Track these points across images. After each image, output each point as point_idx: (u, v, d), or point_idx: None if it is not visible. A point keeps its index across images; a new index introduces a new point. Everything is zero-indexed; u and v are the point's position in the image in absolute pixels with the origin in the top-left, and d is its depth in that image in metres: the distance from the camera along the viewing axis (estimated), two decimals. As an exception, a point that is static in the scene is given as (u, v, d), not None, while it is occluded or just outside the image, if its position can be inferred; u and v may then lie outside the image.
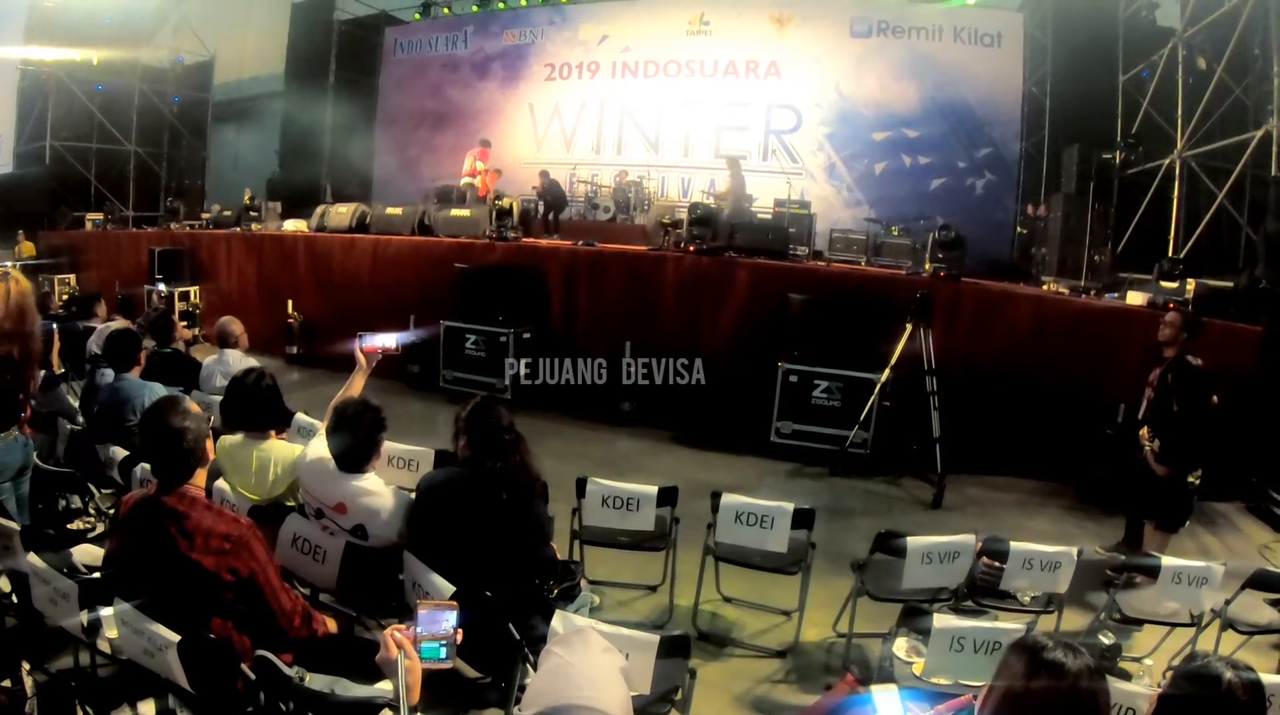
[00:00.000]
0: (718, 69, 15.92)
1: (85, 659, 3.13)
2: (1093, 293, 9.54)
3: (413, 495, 3.70)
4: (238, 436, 4.10)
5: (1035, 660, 1.99)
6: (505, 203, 12.50)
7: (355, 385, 4.28)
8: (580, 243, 11.36)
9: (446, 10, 19.11)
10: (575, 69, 17.36)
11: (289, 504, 3.96)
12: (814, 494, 7.17)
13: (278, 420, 4.25)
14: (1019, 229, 12.79)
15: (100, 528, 4.55)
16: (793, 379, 8.49)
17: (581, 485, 4.83)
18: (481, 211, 12.27)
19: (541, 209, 14.49)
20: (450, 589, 3.14)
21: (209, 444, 3.02)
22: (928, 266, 9.79)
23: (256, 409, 4.12)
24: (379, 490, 3.65)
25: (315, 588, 3.67)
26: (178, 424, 2.88)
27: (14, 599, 3.50)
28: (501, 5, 18.28)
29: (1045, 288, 10.03)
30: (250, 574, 2.83)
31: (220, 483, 3.95)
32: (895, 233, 12.23)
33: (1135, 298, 8.65)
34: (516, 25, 18.10)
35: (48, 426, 5.33)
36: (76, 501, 4.86)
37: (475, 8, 18.66)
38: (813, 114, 15.03)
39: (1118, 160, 11.48)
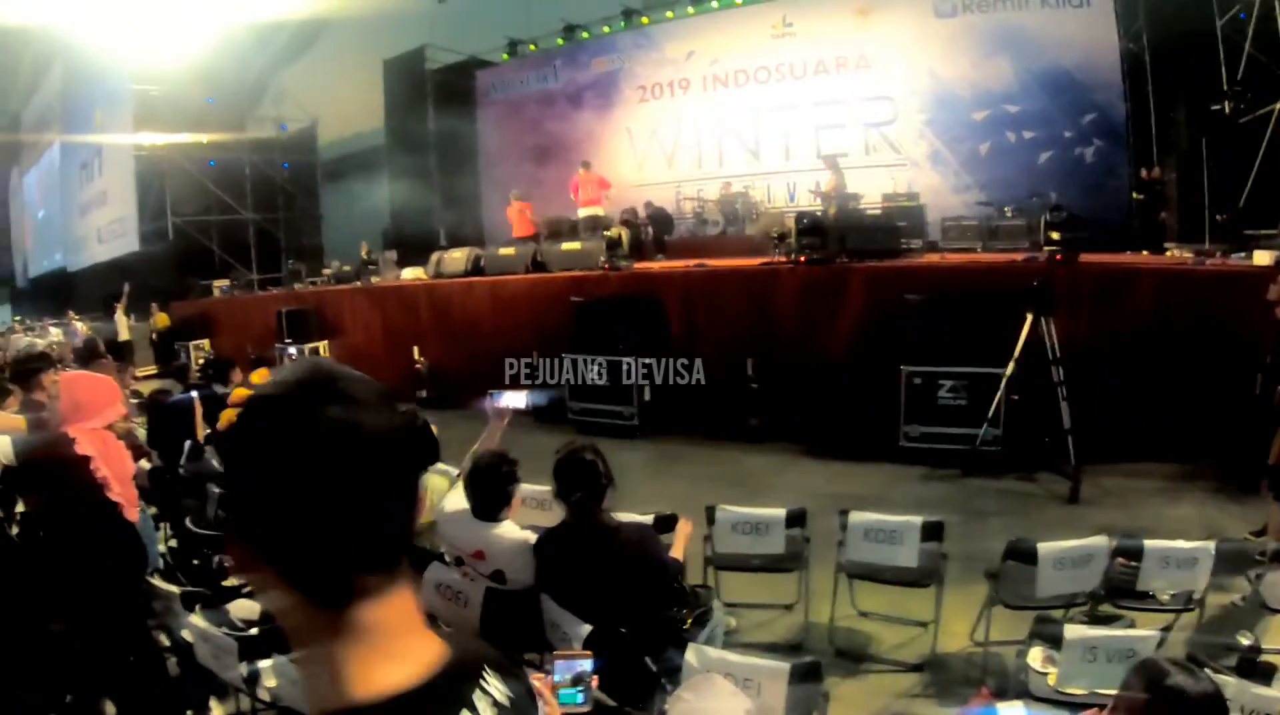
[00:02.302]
0: (807, 69, 15.86)
1: (245, 704, 3.43)
2: (1218, 256, 9.11)
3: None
4: None
5: (1156, 686, 2.03)
6: (614, 233, 12.74)
7: (491, 439, 4.46)
8: (693, 264, 11.51)
9: (533, 47, 19.56)
10: (667, 88, 17.57)
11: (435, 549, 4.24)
12: (946, 498, 7.11)
13: (432, 455, 4.52)
14: (1135, 195, 12.30)
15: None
16: (917, 381, 8.39)
17: (711, 512, 4.90)
18: (593, 243, 12.52)
19: (651, 233, 14.66)
20: (586, 628, 3.32)
21: None
22: (1044, 250, 9.55)
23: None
24: (515, 536, 3.85)
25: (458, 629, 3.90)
26: None
27: (174, 654, 3.87)
28: (585, 35, 18.64)
29: (1168, 254, 9.67)
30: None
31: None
32: (1009, 214, 11.97)
33: (1262, 257, 8.16)
34: (604, 53, 18.43)
35: (197, 492, 5.76)
36: (229, 560, 5.25)
37: (560, 40, 19.03)
38: (909, 102, 14.80)
39: (1228, 111, 10.94)
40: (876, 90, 15.12)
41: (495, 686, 1.04)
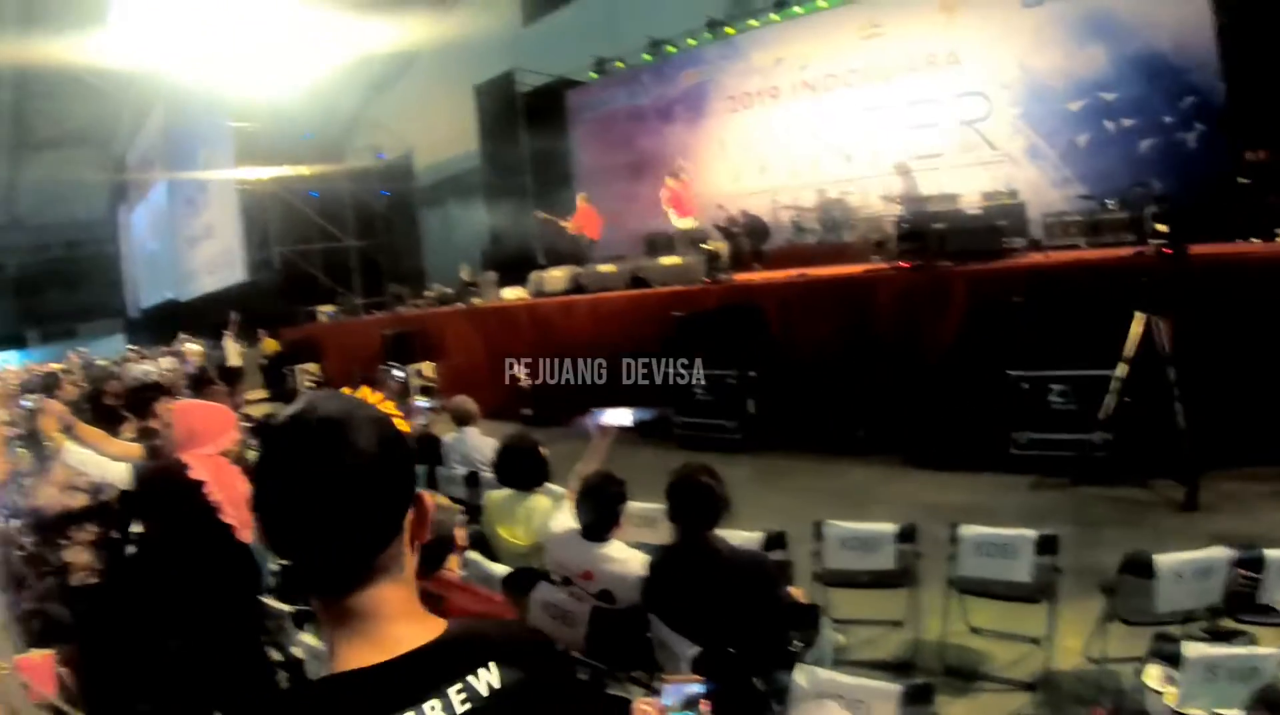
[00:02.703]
0: (897, 70, 15.64)
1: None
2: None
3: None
4: (506, 492, 4.77)
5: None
6: (713, 246, 12.82)
7: (595, 457, 4.59)
8: (794, 274, 11.52)
9: (620, 64, 19.67)
10: (756, 96, 17.54)
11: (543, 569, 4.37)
12: (1057, 507, 6.96)
13: (541, 477, 4.82)
14: (1241, 179, 11.76)
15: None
16: (1024, 386, 8.19)
17: (819, 528, 4.94)
18: (693, 257, 12.62)
19: (748, 243, 14.65)
20: (695, 650, 3.40)
21: (460, 531, 3.46)
22: (1151, 243, 9.26)
23: (523, 468, 4.78)
24: (623, 556, 4.00)
25: (565, 647, 4.01)
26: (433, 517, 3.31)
27: (285, 670, 4.09)
28: (671, 49, 18.68)
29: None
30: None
31: (472, 555, 4.43)
32: (1112, 207, 11.63)
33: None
34: (691, 65, 18.51)
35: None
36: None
37: (647, 56, 19.08)
38: (1001, 96, 14.46)
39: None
40: (967, 86, 14.82)
41: (486, 678, 1.17)
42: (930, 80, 15.25)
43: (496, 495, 4.90)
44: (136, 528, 4.45)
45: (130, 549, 4.50)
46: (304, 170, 22.97)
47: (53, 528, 4.79)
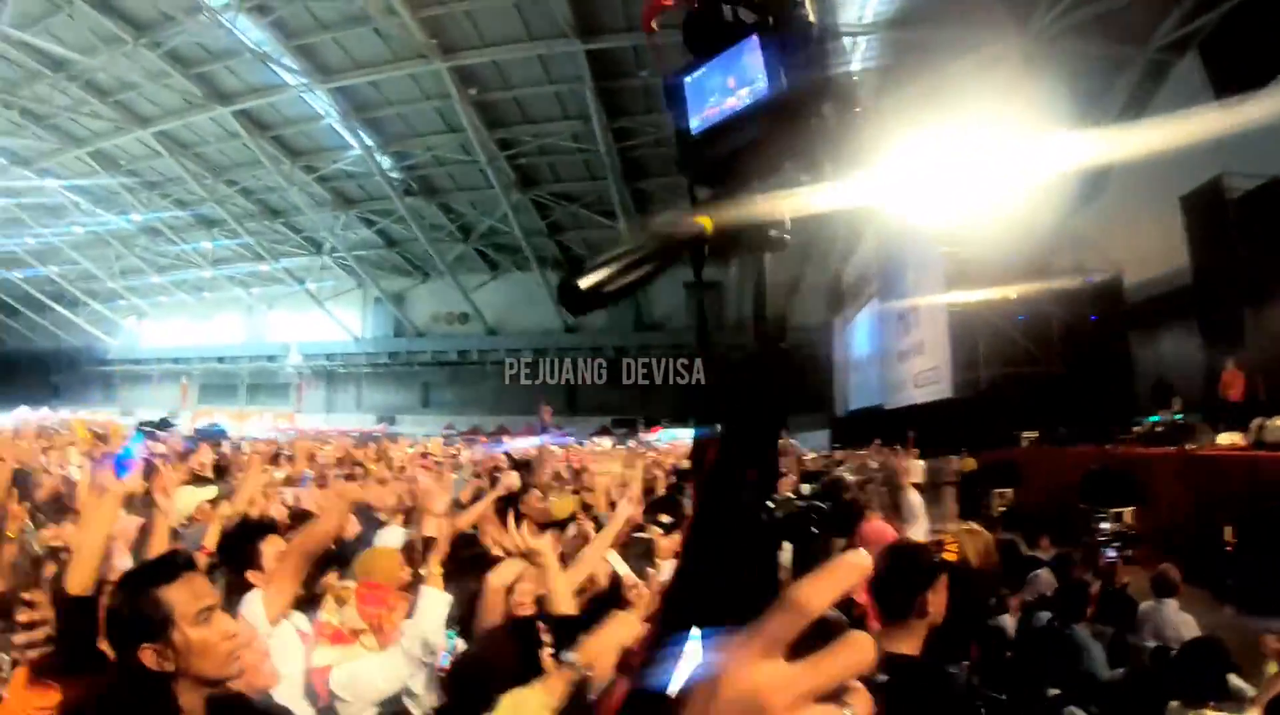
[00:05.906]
0: None
1: None
2: None
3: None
4: (1175, 705, 4.49)
5: None
6: None
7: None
8: None
9: None
10: None
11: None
12: None
13: (1222, 693, 4.51)
14: None
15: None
16: None
17: None
18: None
19: None
20: None
21: None
22: None
23: (1206, 680, 4.52)
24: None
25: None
26: None
27: None
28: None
29: None
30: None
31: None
32: None
33: None
34: None
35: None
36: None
37: None
38: None
39: None
40: None
41: None
42: None
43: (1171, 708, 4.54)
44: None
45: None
46: (1011, 293, 23.60)
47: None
